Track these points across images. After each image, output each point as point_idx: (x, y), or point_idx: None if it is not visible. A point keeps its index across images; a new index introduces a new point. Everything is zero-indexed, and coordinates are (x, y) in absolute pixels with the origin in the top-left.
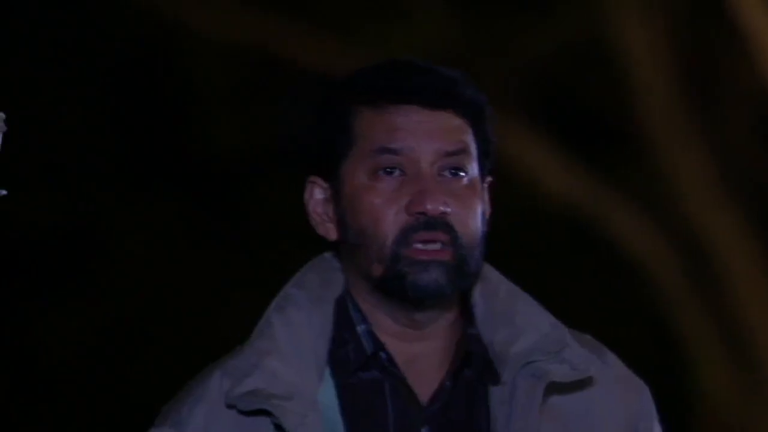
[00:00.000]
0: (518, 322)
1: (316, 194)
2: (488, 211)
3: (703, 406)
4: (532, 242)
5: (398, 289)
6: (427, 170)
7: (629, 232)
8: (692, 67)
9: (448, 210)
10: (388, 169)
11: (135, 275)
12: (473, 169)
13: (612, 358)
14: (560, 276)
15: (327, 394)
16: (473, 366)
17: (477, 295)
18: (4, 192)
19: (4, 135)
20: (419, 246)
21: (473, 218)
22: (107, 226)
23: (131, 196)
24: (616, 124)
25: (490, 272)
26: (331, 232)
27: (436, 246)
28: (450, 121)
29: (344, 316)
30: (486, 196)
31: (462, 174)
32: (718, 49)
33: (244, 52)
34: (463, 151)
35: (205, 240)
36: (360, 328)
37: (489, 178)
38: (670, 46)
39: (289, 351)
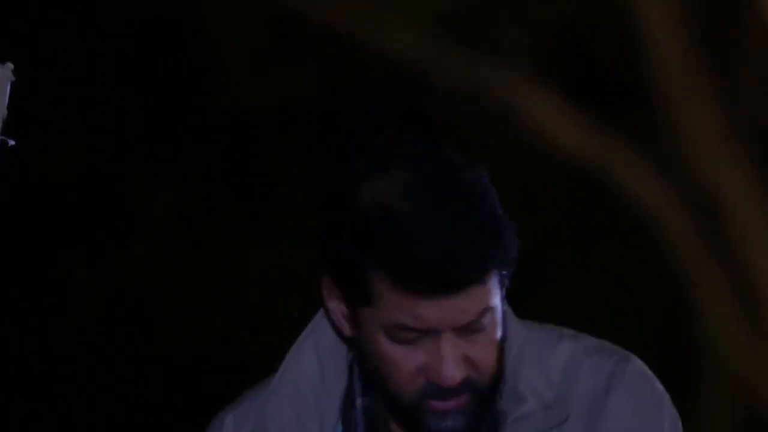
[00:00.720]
0: (522, 388)
1: (331, 294)
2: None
3: (711, 358)
4: (542, 195)
5: (417, 430)
6: (447, 340)
7: (640, 186)
8: (706, 24)
9: (466, 373)
10: (407, 339)
11: (158, 230)
12: (492, 312)
13: (623, 384)
14: (570, 228)
15: None
16: (486, 424)
17: None
18: (11, 142)
19: (13, 85)
20: (437, 403)
21: (493, 355)
22: (129, 181)
23: (154, 152)
24: (629, 80)
25: (510, 320)
26: (345, 331)
27: (455, 401)
28: (475, 295)
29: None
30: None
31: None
32: (732, 5)
33: (269, 9)
34: (484, 311)
35: (226, 195)
36: (358, 402)
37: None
38: (684, 3)
39: (299, 414)
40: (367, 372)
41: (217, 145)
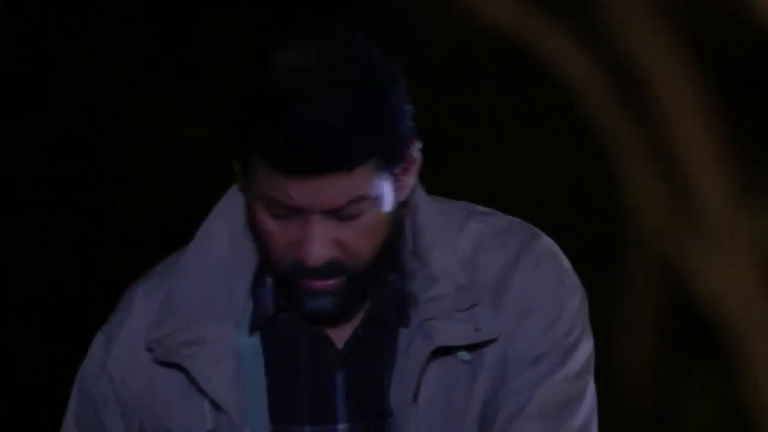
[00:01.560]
0: (434, 268)
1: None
2: (406, 187)
3: (634, 232)
4: (468, 68)
5: (293, 308)
6: (316, 221)
7: (564, 57)
8: None
9: (333, 255)
10: (280, 214)
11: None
12: (370, 202)
13: (529, 260)
14: (495, 99)
15: (244, 335)
16: (390, 307)
17: (408, 229)
18: None
19: None
20: (307, 281)
21: (369, 242)
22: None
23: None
24: None
25: (422, 201)
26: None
27: (325, 282)
28: (343, 182)
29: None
30: (404, 178)
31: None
32: None
33: None
34: (356, 200)
35: (157, 73)
36: (268, 281)
37: (412, 151)
38: None
39: (208, 290)
40: (255, 243)
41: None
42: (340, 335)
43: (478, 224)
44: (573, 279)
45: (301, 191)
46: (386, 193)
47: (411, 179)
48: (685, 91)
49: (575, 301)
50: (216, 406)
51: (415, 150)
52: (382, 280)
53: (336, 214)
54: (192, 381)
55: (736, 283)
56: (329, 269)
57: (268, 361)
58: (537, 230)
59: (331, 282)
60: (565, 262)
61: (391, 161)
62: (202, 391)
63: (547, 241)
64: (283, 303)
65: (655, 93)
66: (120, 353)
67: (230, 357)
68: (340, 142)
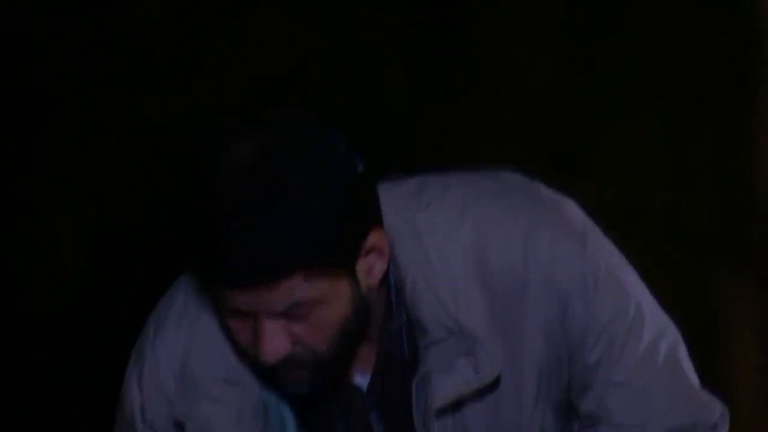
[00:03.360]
0: (423, 319)
1: None
2: (374, 275)
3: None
4: None
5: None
6: (264, 322)
7: None
8: None
9: (290, 351)
10: (234, 314)
11: None
12: (314, 302)
13: (541, 263)
14: None
15: (271, 392)
16: (402, 350)
17: (392, 278)
18: None
19: None
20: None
21: (324, 335)
22: None
23: None
24: None
25: (399, 251)
26: None
27: (291, 374)
28: (274, 291)
29: None
30: (368, 267)
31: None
32: None
33: None
34: (295, 305)
35: None
36: None
37: (372, 242)
38: None
39: (226, 359)
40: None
41: None
42: (362, 378)
43: (474, 218)
44: (592, 239)
45: (239, 298)
46: (336, 291)
47: (379, 265)
48: None
49: (603, 262)
50: None
51: (378, 238)
52: (385, 329)
53: (286, 314)
54: None
55: None
56: (289, 364)
57: (299, 414)
58: (538, 205)
59: (294, 373)
60: (578, 221)
61: (336, 262)
62: None
63: (550, 216)
64: None
65: None
66: (152, 404)
67: (259, 411)
68: (259, 258)
